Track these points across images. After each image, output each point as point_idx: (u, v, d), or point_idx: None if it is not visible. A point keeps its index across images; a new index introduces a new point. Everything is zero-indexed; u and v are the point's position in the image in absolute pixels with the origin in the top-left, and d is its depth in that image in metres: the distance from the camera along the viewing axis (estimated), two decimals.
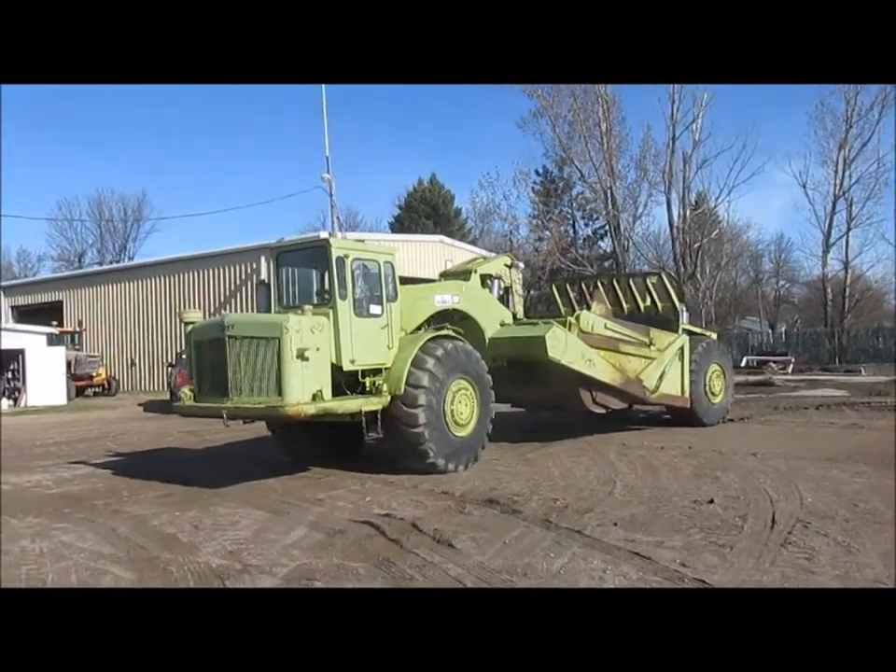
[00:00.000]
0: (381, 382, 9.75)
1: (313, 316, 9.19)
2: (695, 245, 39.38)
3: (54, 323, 30.26)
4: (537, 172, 49.75)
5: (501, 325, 12.21)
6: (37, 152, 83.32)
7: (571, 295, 16.08)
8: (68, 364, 27.15)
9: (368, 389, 9.78)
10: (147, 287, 32.00)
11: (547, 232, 41.52)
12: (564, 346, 11.64)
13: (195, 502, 8.60)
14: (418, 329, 10.95)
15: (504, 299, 12.94)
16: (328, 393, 9.12)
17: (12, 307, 37.59)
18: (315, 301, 9.87)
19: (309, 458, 10.94)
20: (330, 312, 9.46)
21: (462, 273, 12.73)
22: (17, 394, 25.95)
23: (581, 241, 49.15)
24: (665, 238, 45.08)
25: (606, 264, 45.95)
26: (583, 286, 16.16)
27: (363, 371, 9.82)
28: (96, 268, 47.74)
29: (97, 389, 29.82)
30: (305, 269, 10.30)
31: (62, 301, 34.84)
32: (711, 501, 7.87)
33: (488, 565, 5.80)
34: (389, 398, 9.68)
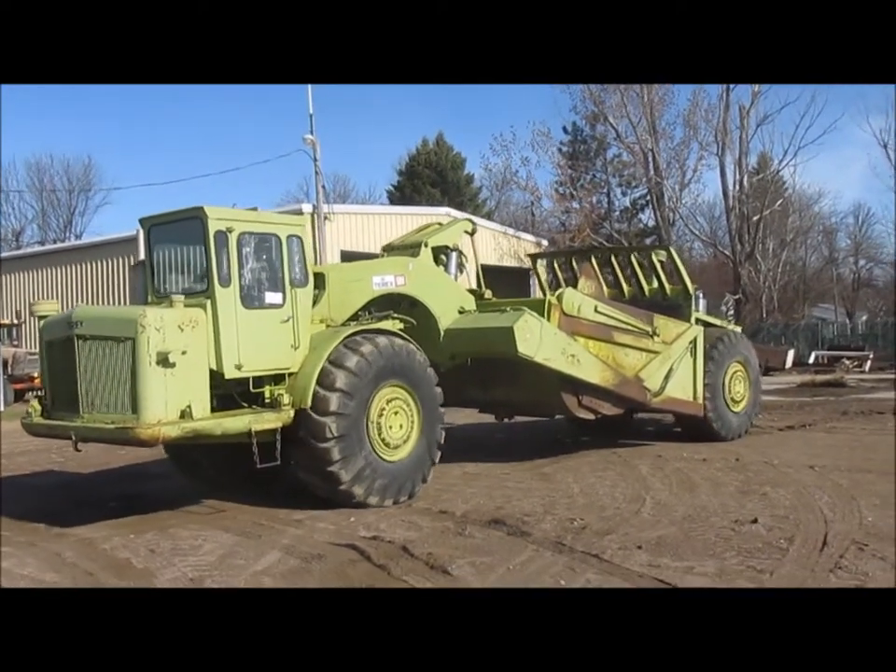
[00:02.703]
0: (282, 392, 9.05)
1: (183, 309, 8.50)
2: (755, 218, 39.44)
3: None
4: (564, 129, 49.94)
5: (461, 312, 11.63)
6: None
7: (559, 273, 15.71)
8: (4, 363, 27.52)
9: (268, 402, 9.12)
10: (99, 269, 32.43)
11: (576, 204, 41.65)
12: (538, 340, 10.91)
13: (152, 523, 8.90)
14: (354, 319, 10.47)
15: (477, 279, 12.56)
16: (201, 409, 8.44)
17: None
18: (196, 289, 9.07)
19: (220, 481, 10.43)
20: (208, 303, 8.75)
21: (410, 247, 11.93)
22: None
23: (618, 213, 49.37)
24: (720, 209, 45.30)
25: (648, 240, 46.17)
26: (574, 262, 15.54)
27: (259, 379, 9.13)
28: (37, 248, 48.20)
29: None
30: (183, 247, 9.41)
31: None
32: (755, 521, 8.12)
33: None
34: (292, 413, 8.96)
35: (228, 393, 9.03)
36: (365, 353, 9.34)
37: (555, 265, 15.92)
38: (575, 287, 14.57)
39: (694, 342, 13.42)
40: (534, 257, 16.56)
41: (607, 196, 49.79)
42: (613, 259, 15.46)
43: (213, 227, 8.75)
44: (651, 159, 40.27)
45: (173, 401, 8.26)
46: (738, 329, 15.36)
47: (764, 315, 39.37)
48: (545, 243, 39.28)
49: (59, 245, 48.61)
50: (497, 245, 34.91)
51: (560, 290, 12.27)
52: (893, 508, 8.54)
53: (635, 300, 14.38)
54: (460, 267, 12.36)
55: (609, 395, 12.14)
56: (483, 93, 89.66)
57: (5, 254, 45.68)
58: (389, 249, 12.49)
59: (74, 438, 8.64)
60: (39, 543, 8.19)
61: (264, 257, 9.33)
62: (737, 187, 39.74)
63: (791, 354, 33.13)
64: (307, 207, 27.77)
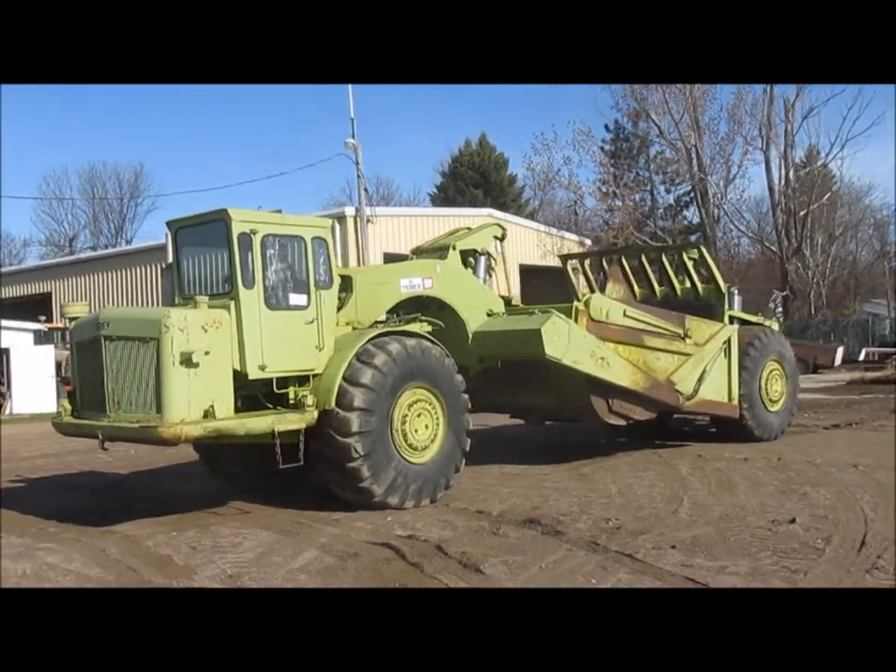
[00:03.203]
0: (306, 393, 9.10)
1: (207, 310, 8.60)
2: (801, 213, 38.88)
3: (42, 318, 31.23)
4: (607, 128, 49.70)
5: (489, 315, 11.61)
6: (21, 122, 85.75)
7: (590, 275, 15.39)
8: (58, 365, 28.08)
9: (293, 403, 9.18)
10: (148, 274, 32.99)
11: (618, 202, 41.40)
12: (566, 342, 10.84)
13: (194, 521, 9.09)
14: (382, 321, 10.51)
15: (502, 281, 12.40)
16: (225, 409, 8.52)
17: None
18: (221, 290, 9.17)
19: (249, 483, 10.46)
20: (232, 304, 8.84)
21: (438, 250, 11.99)
22: (1, 399, 27.03)
23: (662, 210, 49.00)
24: (767, 205, 44.64)
25: (692, 237, 45.72)
26: (604, 263, 15.47)
27: (283, 380, 9.18)
28: (89, 253, 49.18)
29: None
30: (209, 249, 9.51)
31: (50, 293, 36.10)
32: (793, 521, 8.05)
33: None
34: (316, 413, 8.99)
35: (253, 394, 9.13)
36: (392, 352, 9.33)
37: (586, 266, 15.61)
38: (604, 289, 14.52)
39: (728, 342, 13.24)
40: (564, 258, 16.39)
41: (650, 194, 49.53)
42: (644, 258, 15.29)
43: (236, 229, 8.85)
44: (694, 155, 39.89)
45: (196, 401, 8.37)
46: (775, 326, 15.16)
47: (813, 312, 38.74)
48: (588, 242, 39.14)
49: (110, 250, 49.51)
50: (539, 243, 34.86)
51: (587, 296, 12.13)
52: None
53: (667, 299, 14.26)
54: (489, 271, 12.33)
55: (641, 399, 12.00)
56: (525, 93, 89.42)
57: (59, 259, 46.74)
58: (418, 252, 12.56)
59: (100, 437, 8.81)
60: (85, 540, 8.40)
61: (288, 259, 9.36)
62: (783, 181, 39.21)
63: (840, 351, 32.65)
64: (350, 210, 28.01)
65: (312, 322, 9.29)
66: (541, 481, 10.90)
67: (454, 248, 11.71)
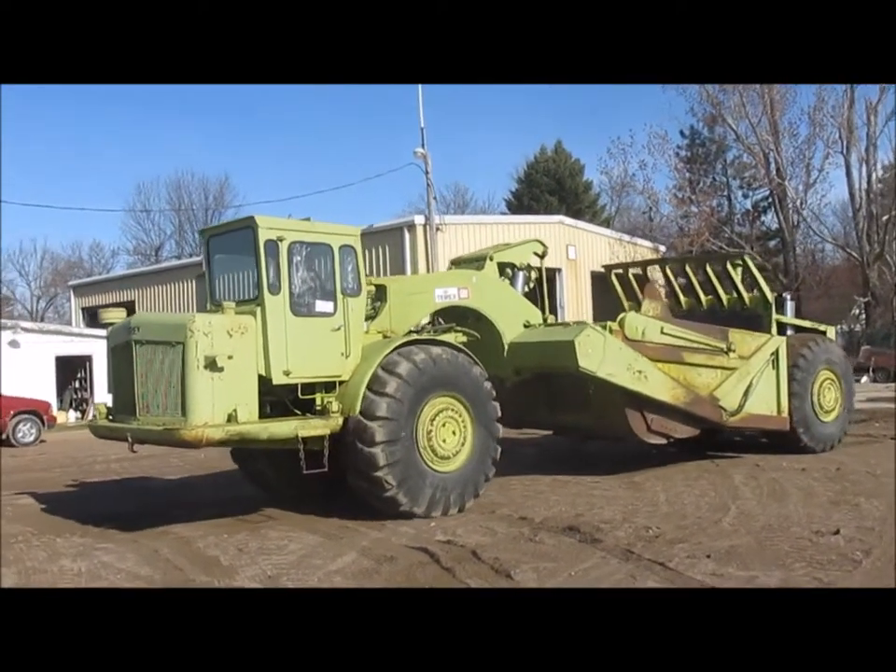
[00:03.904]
0: (331, 400, 9.20)
1: (233, 315, 8.77)
2: (884, 218, 37.72)
3: None
4: (682, 133, 49.03)
5: (526, 326, 11.58)
6: (115, 132, 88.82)
7: (634, 284, 15.08)
8: None
9: (319, 409, 9.27)
10: None
11: (694, 208, 40.80)
12: (601, 354, 10.75)
13: (248, 524, 9.41)
14: (416, 332, 10.56)
15: (534, 297, 12.23)
16: (248, 413, 8.64)
17: (83, 308, 40.58)
18: (249, 297, 9.35)
19: (283, 490, 10.61)
20: (258, 310, 8.98)
21: (476, 261, 12.04)
22: (84, 405, 28.12)
23: (739, 216, 48.09)
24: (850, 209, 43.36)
25: (770, 243, 44.79)
26: (647, 273, 15.16)
27: (309, 386, 9.30)
28: (172, 262, 50.66)
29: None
30: (238, 256, 9.72)
31: (133, 301, 37.35)
32: (837, 532, 7.93)
33: None
34: (340, 420, 9.09)
35: (280, 400, 9.28)
36: (417, 361, 9.37)
37: (630, 276, 15.35)
38: (640, 307, 14.42)
39: (776, 353, 12.97)
40: (608, 268, 16.20)
41: (727, 199, 48.65)
42: (689, 269, 15.07)
43: (263, 236, 8.99)
44: (772, 159, 39.08)
45: (220, 405, 8.49)
46: (832, 332, 14.77)
47: (894, 318, 37.48)
48: (663, 248, 38.66)
49: (192, 259, 50.96)
50: (612, 251, 34.59)
51: (622, 315, 11.83)
52: None
53: (713, 310, 14.10)
54: (527, 286, 12.31)
55: (681, 415, 11.80)
56: (601, 99, 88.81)
57: (143, 269, 48.34)
58: (457, 263, 12.64)
59: (130, 439, 9.00)
60: (141, 540, 8.77)
61: (315, 266, 9.48)
62: (864, 185, 38.15)
63: None
64: (420, 219, 28.27)
65: (338, 329, 9.38)
66: (591, 489, 10.92)
67: (490, 259, 11.77)
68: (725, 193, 48.46)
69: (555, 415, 12.25)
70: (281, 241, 9.08)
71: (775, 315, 13.54)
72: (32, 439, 21.74)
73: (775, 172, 39.41)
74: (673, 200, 41.94)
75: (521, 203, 54.15)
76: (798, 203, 39.83)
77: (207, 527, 9.35)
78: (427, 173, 27.51)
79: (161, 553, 8.16)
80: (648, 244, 37.74)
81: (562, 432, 13.69)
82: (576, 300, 32.18)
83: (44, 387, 26.22)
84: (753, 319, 13.39)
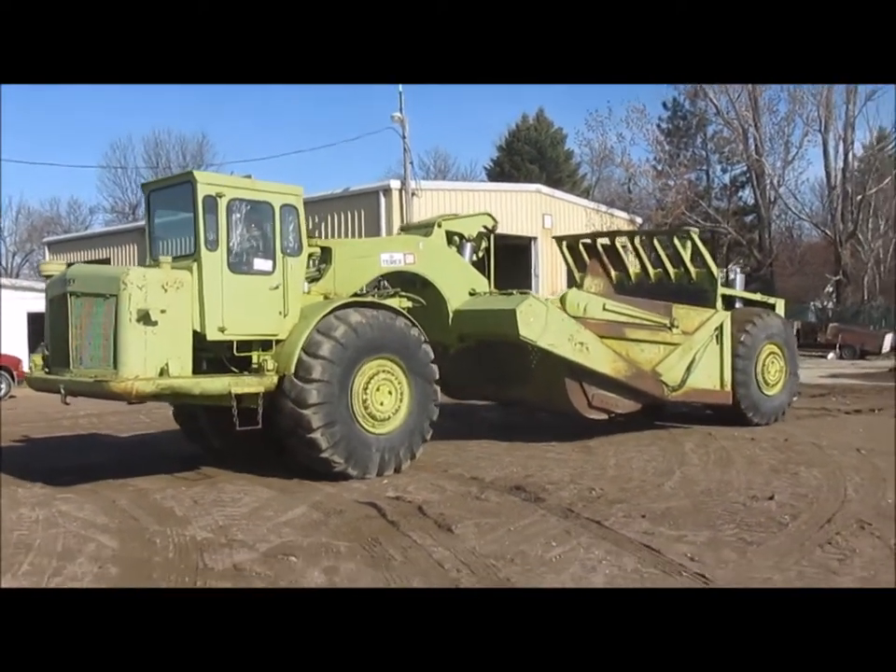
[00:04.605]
0: (267, 358, 9.28)
1: (169, 270, 8.78)
2: (858, 197, 38.12)
3: None
4: (664, 105, 49.18)
5: (471, 294, 11.67)
6: (87, 88, 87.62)
7: (585, 256, 15.16)
8: None
9: (255, 367, 9.33)
10: None
11: (671, 181, 41.04)
12: (543, 324, 10.83)
13: (209, 478, 9.67)
14: (361, 295, 10.65)
15: (482, 270, 12.24)
16: (181, 367, 8.70)
17: None
18: (188, 253, 9.33)
19: (223, 449, 10.66)
20: (194, 265, 9.00)
21: (425, 227, 12.15)
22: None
23: (717, 191, 48.39)
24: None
25: (747, 220, 45.14)
26: (597, 244, 15.11)
27: (246, 344, 9.37)
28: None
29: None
30: (178, 212, 9.72)
31: (109, 259, 37.23)
32: (771, 498, 8.27)
33: (479, 550, 6.50)
34: (275, 378, 9.19)
35: (218, 357, 9.36)
36: (353, 324, 9.45)
37: (582, 249, 15.35)
38: (603, 269, 14.49)
39: (721, 327, 13.09)
40: (559, 240, 16.16)
41: (706, 173, 48.91)
42: (634, 243, 15.11)
43: (202, 191, 9.01)
44: (751, 135, 39.32)
45: (152, 359, 8.53)
46: (781, 304, 14.84)
47: (865, 297, 38.04)
48: (639, 220, 38.95)
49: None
50: (588, 221, 34.81)
51: (563, 292, 11.99)
52: None
53: (661, 284, 14.15)
54: (474, 256, 12.35)
55: (623, 388, 11.92)
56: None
57: (119, 227, 48.03)
58: (406, 229, 12.79)
59: (62, 391, 8.99)
60: (101, 491, 9.00)
61: (255, 224, 9.51)
62: (840, 164, 38.51)
63: (889, 338, 32.18)
64: (395, 183, 28.34)
65: (276, 288, 9.45)
66: (546, 452, 11.21)
67: (439, 226, 11.84)
68: (704, 167, 48.79)
69: (500, 388, 12.37)
70: (220, 197, 9.09)
71: (721, 290, 13.61)
72: (2, 394, 21.84)
73: (753, 148, 39.67)
74: (651, 172, 42.13)
75: (501, 171, 54.29)
76: (776, 179, 40.14)
77: (167, 481, 9.59)
78: (403, 137, 27.57)
79: (119, 504, 8.39)
80: (624, 215, 38.01)
81: (507, 405, 13.77)
82: (551, 268, 32.36)
83: (16, 343, 26.21)
84: (700, 294, 13.46)
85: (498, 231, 12.93)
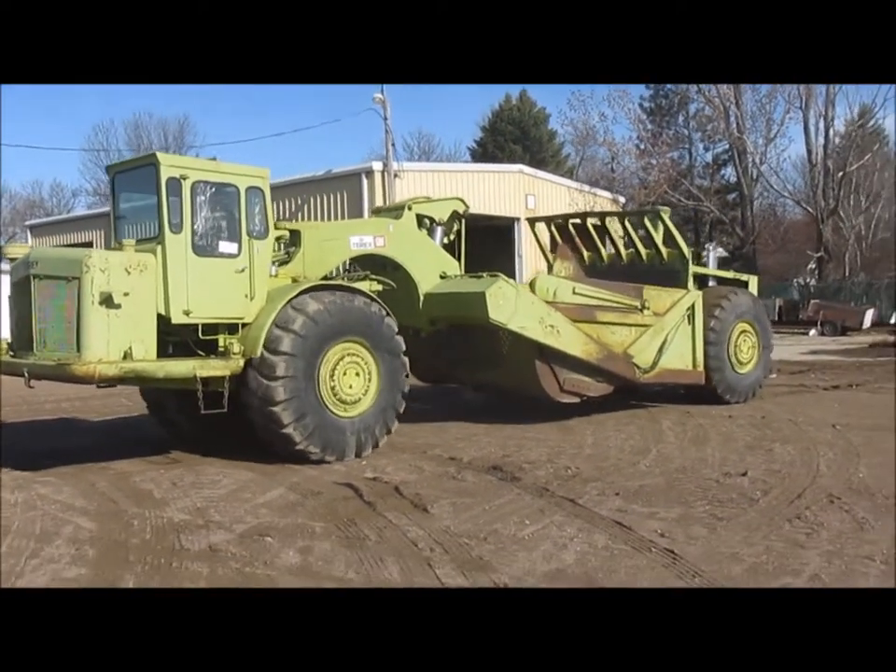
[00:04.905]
0: (233, 341, 9.24)
1: (132, 253, 8.74)
2: (839, 174, 38.28)
3: None
4: (646, 84, 49.11)
5: (442, 277, 11.66)
6: None
7: (557, 237, 15.17)
8: None
9: (222, 350, 9.31)
10: None
11: (654, 160, 41.09)
12: (513, 307, 10.81)
13: (188, 461, 9.71)
14: (329, 278, 10.57)
15: (453, 254, 12.20)
16: (145, 351, 8.65)
17: None
18: (152, 235, 9.25)
19: (193, 435, 10.60)
20: (158, 248, 8.93)
21: (395, 210, 12.09)
22: None
23: (699, 169, 48.51)
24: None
25: (729, 198, 45.25)
26: (569, 225, 15.11)
27: (212, 327, 9.32)
28: None
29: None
30: (142, 194, 9.63)
31: (91, 242, 37.01)
32: (744, 474, 8.38)
33: (453, 529, 6.58)
34: (241, 362, 9.13)
35: (184, 341, 9.31)
36: (325, 303, 9.42)
37: (553, 229, 15.39)
38: (575, 251, 14.48)
39: (692, 307, 13.09)
40: (531, 221, 16.17)
41: (688, 152, 49.01)
42: (608, 223, 15.11)
43: (165, 173, 8.92)
44: (732, 113, 39.39)
45: (115, 342, 8.49)
46: (754, 281, 14.89)
47: (846, 274, 38.27)
48: (622, 199, 39.02)
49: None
50: (572, 201, 34.85)
51: (533, 276, 11.91)
52: (892, 466, 8.66)
53: (633, 265, 14.20)
54: (445, 239, 12.32)
55: (594, 371, 11.93)
56: None
57: (100, 210, 47.71)
58: (377, 212, 12.72)
59: (26, 375, 8.89)
60: (80, 475, 9.02)
61: (220, 206, 9.45)
62: (821, 141, 38.65)
63: (869, 313, 32.45)
64: (377, 165, 28.28)
65: (242, 271, 9.39)
66: (525, 432, 11.29)
67: (409, 209, 11.82)
68: (686, 146, 48.89)
69: (472, 372, 12.38)
70: (184, 179, 9.01)
71: (693, 269, 13.65)
72: None
73: (735, 125, 39.75)
74: (633, 151, 42.19)
75: (485, 152, 54.20)
76: (757, 157, 40.25)
77: (147, 463, 9.63)
78: (385, 119, 27.48)
79: (98, 487, 8.42)
80: (608, 194, 38.07)
81: (480, 389, 13.79)
82: (534, 249, 32.30)
83: None
84: (671, 274, 13.47)
85: (481, 212, 13.09)
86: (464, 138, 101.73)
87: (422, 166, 33.87)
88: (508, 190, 32.51)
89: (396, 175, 27.58)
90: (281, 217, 29.50)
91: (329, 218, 26.97)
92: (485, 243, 26.65)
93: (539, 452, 9.85)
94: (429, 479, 8.47)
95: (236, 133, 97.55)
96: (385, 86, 27.67)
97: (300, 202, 29.65)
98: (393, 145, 28.21)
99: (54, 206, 68.58)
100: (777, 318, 36.59)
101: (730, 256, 44.44)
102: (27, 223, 47.02)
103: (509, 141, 54.32)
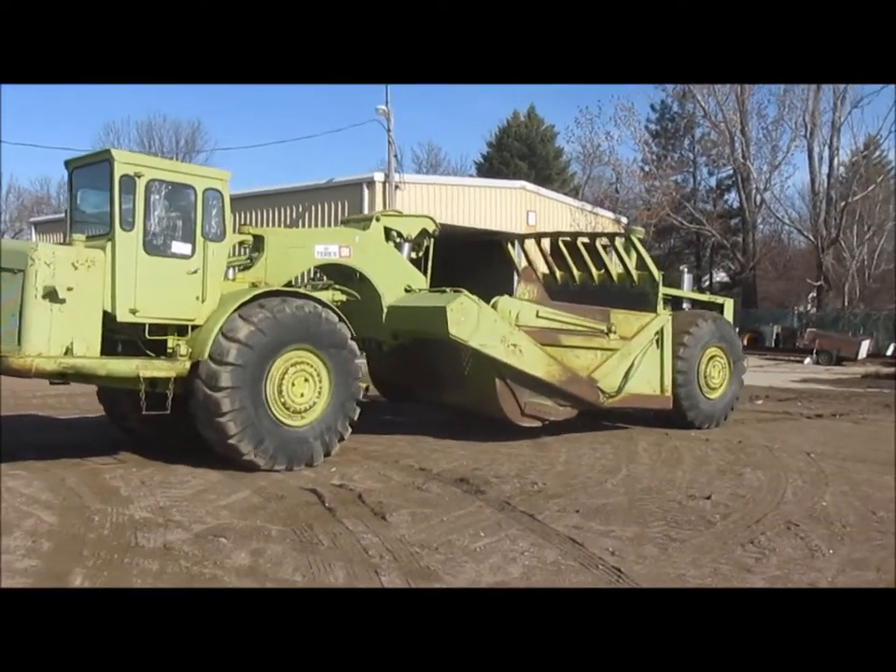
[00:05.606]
0: (180, 343, 9.16)
1: (81, 248, 8.63)
2: (842, 204, 38.38)
3: None
4: (653, 107, 49.37)
5: (407, 291, 11.57)
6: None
7: (530, 257, 15.15)
8: None
9: (170, 352, 9.23)
10: None
11: (657, 182, 41.24)
12: (475, 324, 10.63)
13: (163, 459, 9.73)
14: (292, 285, 10.50)
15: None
16: (87, 347, 8.54)
17: None
18: (105, 232, 9.12)
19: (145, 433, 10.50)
20: (108, 245, 8.82)
21: (363, 221, 12.01)
22: None
23: (703, 193, 48.64)
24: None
25: (732, 223, 45.35)
26: (541, 245, 15.11)
27: (160, 328, 9.20)
28: None
29: None
30: (97, 190, 9.51)
31: None
32: (708, 497, 8.44)
33: (407, 538, 6.65)
34: (188, 364, 9.07)
35: (133, 340, 9.23)
36: (274, 311, 9.30)
37: (524, 249, 15.42)
38: (549, 270, 14.49)
39: (661, 331, 12.92)
40: (504, 240, 16.16)
41: (692, 175, 49.17)
42: (579, 244, 14.83)
43: (119, 170, 8.86)
44: (738, 138, 39.54)
45: (56, 336, 8.40)
46: (729, 304, 14.79)
47: (846, 304, 38.30)
48: (624, 220, 39.11)
49: None
50: (573, 220, 34.98)
51: (494, 299, 11.45)
52: (857, 497, 8.71)
53: (604, 286, 14.09)
54: (411, 255, 12.26)
55: (557, 393, 11.75)
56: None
57: None
58: (346, 222, 12.64)
59: None
60: (52, 470, 9.10)
61: (176, 206, 9.37)
62: (825, 170, 38.79)
63: (865, 344, 32.47)
64: (379, 176, 28.43)
65: (195, 272, 9.28)
66: (500, 447, 11.31)
67: (377, 220, 11.78)
68: (691, 169, 49.05)
69: (433, 391, 12.25)
70: (139, 177, 8.93)
71: (665, 291, 13.55)
72: None
73: (740, 151, 39.90)
74: (638, 173, 42.34)
75: (491, 167, 54.40)
76: (761, 184, 40.39)
77: (119, 461, 9.71)
78: (388, 130, 27.64)
79: (67, 482, 8.50)
80: (610, 214, 38.17)
81: (443, 408, 13.57)
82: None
83: None
84: (641, 297, 13.30)
85: (482, 226, 13.01)
86: (470, 152, 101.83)
87: (423, 178, 33.99)
88: (509, 206, 32.64)
89: (397, 187, 27.74)
90: (282, 224, 29.72)
91: (329, 227, 27.09)
92: (484, 258, 26.81)
93: (510, 466, 9.91)
94: (394, 488, 8.54)
95: (250, 140, 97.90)
96: (388, 97, 27.88)
97: (301, 209, 29.82)
98: (396, 156, 28.41)
99: (62, 203, 68.73)
100: (773, 345, 36.66)
101: (730, 281, 44.54)
102: (31, 220, 47.29)
103: (515, 157, 54.50)
